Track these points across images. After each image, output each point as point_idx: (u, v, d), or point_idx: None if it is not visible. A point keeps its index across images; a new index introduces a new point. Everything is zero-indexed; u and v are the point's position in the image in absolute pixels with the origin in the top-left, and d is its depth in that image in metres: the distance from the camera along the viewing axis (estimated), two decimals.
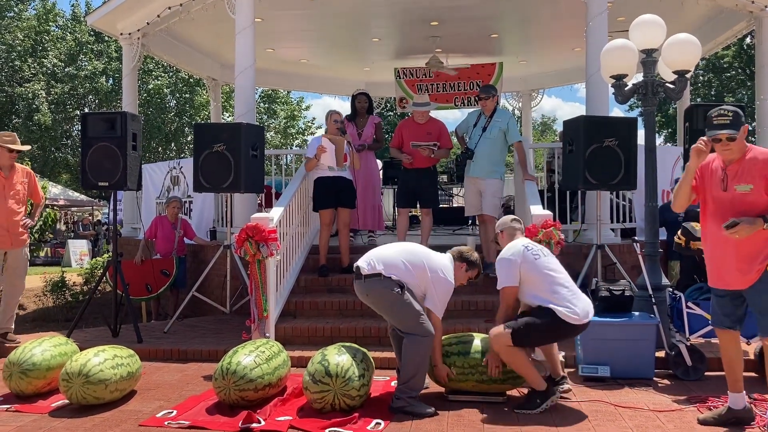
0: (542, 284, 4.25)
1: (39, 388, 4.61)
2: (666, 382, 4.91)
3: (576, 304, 4.20)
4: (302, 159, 7.60)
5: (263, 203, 8.92)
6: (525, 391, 4.53)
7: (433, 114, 7.19)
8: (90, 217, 27.35)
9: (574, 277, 6.28)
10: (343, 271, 6.82)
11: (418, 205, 7.07)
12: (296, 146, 32.42)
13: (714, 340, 5.21)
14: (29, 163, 10.36)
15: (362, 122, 7.80)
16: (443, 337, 4.57)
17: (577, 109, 74.49)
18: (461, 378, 4.45)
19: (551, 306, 4.16)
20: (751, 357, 5.04)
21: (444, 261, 4.46)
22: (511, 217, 4.72)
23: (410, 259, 4.35)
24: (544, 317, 4.17)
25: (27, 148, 6.45)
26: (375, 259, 4.36)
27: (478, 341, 4.54)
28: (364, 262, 4.39)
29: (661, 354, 5.13)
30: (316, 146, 6.68)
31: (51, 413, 4.30)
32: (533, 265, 4.28)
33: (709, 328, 4.83)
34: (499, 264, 4.37)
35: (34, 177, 6.39)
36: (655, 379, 4.95)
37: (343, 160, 6.68)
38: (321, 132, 6.72)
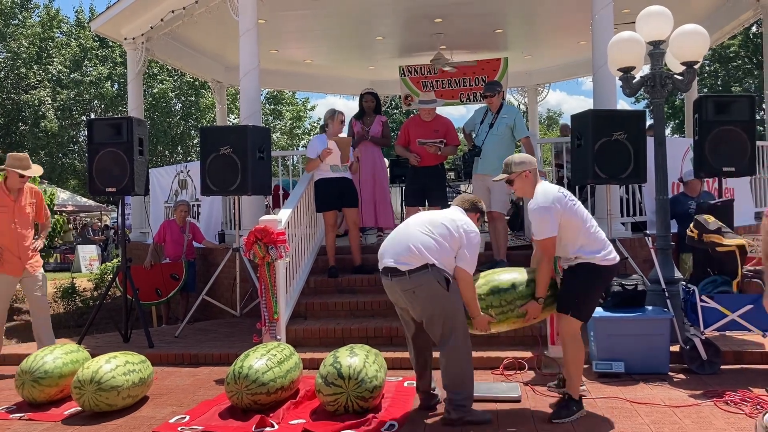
0: (580, 229, 3.96)
1: (51, 396, 4.61)
2: (681, 376, 4.86)
3: (608, 244, 4.04)
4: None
5: (271, 203, 8.91)
6: (539, 389, 4.49)
7: (440, 111, 7.16)
8: (99, 222, 27.47)
9: None
10: (354, 271, 6.81)
11: (426, 203, 7.04)
12: (302, 147, 32.47)
13: (729, 333, 5.17)
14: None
15: (369, 121, 7.85)
16: None
17: (583, 102, 74.20)
18: (501, 318, 4.09)
19: (587, 258, 3.94)
20: None
21: (460, 216, 4.09)
22: (530, 156, 4.25)
23: (434, 230, 3.96)
24: (582, 276, 3.97)
25: (40, 172, 6.02)
26: (407, 249, 3.92)
27: (507, 275, 4.17)
28: (393, 261, 3.95)
29: (675, 348, 5.09)
30: (318, 146, 6.64)
31: (64, 421, 4.30)
32: (572, 210, 3.95)
33: (725, 321, 4.78)
34: (538, 212, 3.94)
35: (42, 197, 6.04)
36: (670, 374, 4.90)
37: (346, 159, 6.67)
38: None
